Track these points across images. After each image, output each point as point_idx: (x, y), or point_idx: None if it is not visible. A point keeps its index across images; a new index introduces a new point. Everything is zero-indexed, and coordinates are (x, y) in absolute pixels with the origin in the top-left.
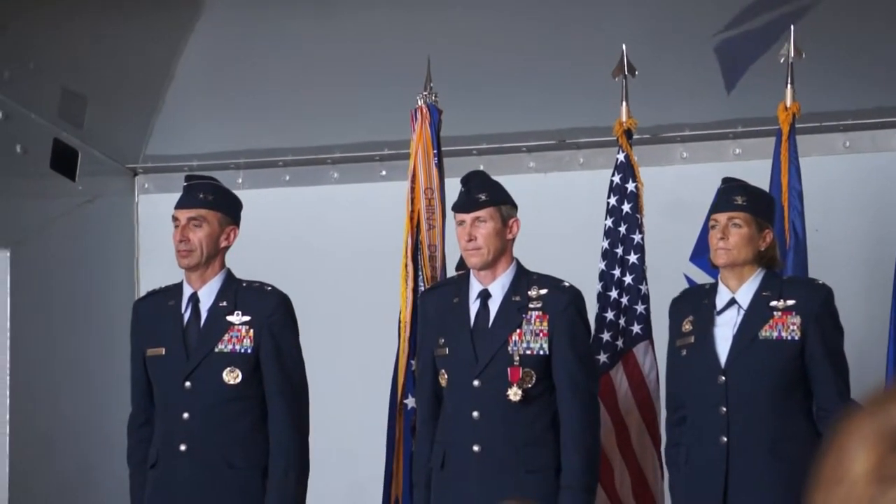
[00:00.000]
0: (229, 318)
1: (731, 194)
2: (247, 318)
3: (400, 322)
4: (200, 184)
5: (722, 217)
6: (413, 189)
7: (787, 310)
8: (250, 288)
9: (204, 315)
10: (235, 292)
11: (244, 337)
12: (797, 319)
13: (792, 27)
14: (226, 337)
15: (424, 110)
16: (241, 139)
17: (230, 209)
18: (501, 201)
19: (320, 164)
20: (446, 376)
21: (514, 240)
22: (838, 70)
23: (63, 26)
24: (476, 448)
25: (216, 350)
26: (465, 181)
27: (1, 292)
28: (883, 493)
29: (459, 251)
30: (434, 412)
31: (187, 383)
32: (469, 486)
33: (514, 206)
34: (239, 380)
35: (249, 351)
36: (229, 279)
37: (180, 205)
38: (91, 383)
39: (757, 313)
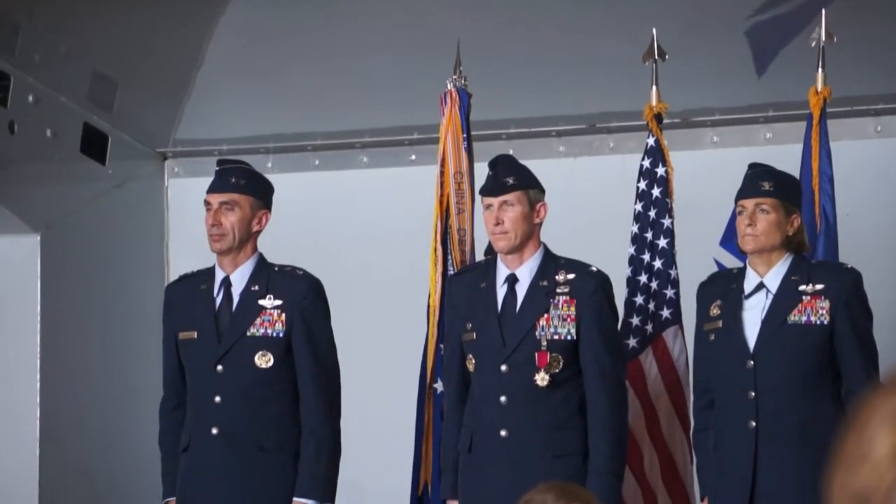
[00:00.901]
0: (261, 301)
1: (758, 180)
2: (279, 302)
3: (429, 306)
4: (233, 168)
5: (749, 203)
6: (443, 173)
7: (815, 294)
8: (282, 272)
9: (236, 299)
10: (268, 276)
11: (276, 321)
12: (826, 304)
13: (823, 11)
14: (258, 321)
15: (454, 94)
16: (271, 123)
17: (262, 193)
18: (529, 185)
19: (350, 149)
20: (474, 361)
21: (541, 224)
22: (869, 54)
23: (93, 10)
24: (503, 433)
25: (248, 334)
26: (493, 165)
27: (31, 276)
28: None
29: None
30: (462, 397)
31: (219, 367)
32: (496, 471)
33: (542, 191)
34: (271, 364)
35: (281, 335)
36: (261, 263)
37: (212, 189)
38: (121, 366)
39: (786, 298)
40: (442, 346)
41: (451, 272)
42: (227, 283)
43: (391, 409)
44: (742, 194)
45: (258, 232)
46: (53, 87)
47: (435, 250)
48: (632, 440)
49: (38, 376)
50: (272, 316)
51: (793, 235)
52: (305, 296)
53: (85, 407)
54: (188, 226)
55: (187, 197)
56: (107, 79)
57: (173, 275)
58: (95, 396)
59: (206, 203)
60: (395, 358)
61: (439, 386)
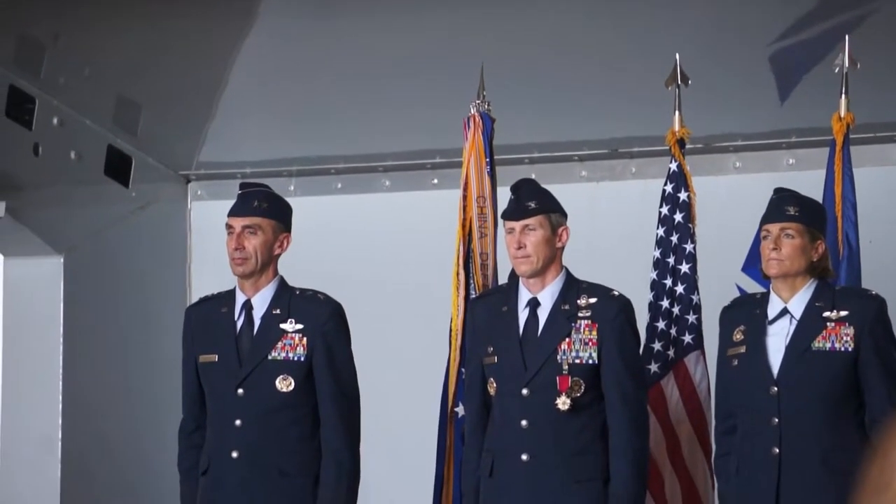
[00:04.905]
0: (283, 325)
1: (784, 204)
2: (300, 326)
3: (451, 330)
4: (255, 192)
5: (774, 227)
6: (465, 197)
7: (840, 320)
8: (304, 296)
9: (257, 322)
10: (289, 300)
11: (297, 345)
12: (850, 330)
13: (847, 37)
14: (279, 344)
15: (477, 118)
16: (294, 147)
17: (284, 217)
18: (551, 209)
19: (372, 172)
20: (495, 385)
21: (563, 248)
22: (893, 80)
23: (118, 34)
24: (524, 457)
25: (269, 357)
26: (515, 189)
27: (54, 297)
28: None
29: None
30: (483, 420)
31: (240, 390)
32: (517, 495)
33: (564, 215)
34: (292, 387)
35: (303, 359)
36: (283, 287)
37: (235, 212)
38: (143, 388)
39: (810, 324)
40: (464, 370)
41: (474, 296)
42: (248, 306)
43: (412, 433)
44: (767, 219)
45: (279, 255)
46: (78, 110)
47: (457, 274)
48: (653, 466)
49: (61, 397)
50: (293, 340)
51: (817, 261)
52: (327, 320)
53: (107, 428)
54: (211, 248)
55: (210, 219)
56: (131, 102)
57: (195, 297)
58: (118, 417)
59: (229, 226)
60: (416, 382)
61: (461, 410)
